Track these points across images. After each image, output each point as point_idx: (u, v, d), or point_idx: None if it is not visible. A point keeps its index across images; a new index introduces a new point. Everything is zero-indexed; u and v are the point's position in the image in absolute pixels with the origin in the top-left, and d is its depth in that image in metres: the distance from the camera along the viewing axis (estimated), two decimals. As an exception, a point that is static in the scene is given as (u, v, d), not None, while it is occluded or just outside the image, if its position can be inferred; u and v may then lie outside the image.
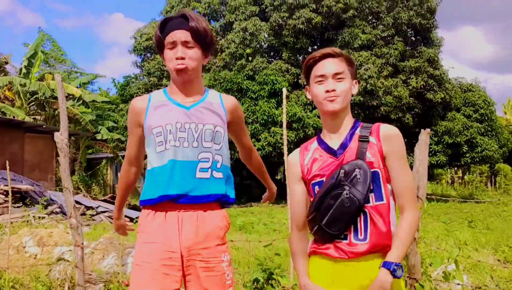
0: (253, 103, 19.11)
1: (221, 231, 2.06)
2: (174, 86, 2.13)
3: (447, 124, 21.79)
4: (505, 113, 39.93)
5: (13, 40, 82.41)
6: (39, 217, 10.71)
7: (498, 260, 4.09)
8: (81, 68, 37.83)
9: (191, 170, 2.00)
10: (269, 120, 18.90)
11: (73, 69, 31.44)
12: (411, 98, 20.32)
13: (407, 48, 21.37)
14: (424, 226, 10.95)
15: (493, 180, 34.28)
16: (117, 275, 4.10)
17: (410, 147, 21.56)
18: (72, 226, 4.08)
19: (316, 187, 1.84)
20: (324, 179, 1.81)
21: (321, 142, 1.90)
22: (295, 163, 1.94)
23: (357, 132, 1.85)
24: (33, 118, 23.89)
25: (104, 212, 13.25)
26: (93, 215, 12.70)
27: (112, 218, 12.67)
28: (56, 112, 23.37)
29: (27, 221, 8.09)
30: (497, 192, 28.90)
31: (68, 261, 4.84)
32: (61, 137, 3.98)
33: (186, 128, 2.02)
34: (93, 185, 24.97)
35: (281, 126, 18.91)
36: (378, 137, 1.82)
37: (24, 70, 22.26)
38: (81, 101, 21.64)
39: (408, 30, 21.76)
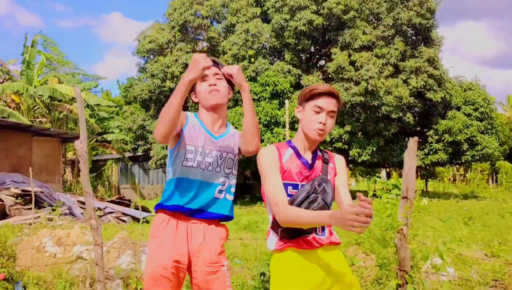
0: (255, 104, 19.44)
1: (222, 241, 2.46)
2: (203, 114, 2.50)
3: (447, 123, 22.09)
4: (506, 110, 40.17)
5: (13, 42, 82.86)
6: (49, 219, 11.05)
7: (486, 255, 4.41)
8: (84, 69, 38.22)
9: (212, 190, 2.40)
10: (272, 120, 19.23)
11: (75, 71, 31.82)
12: (411, 98, 20.61)
13: (408, 48, 21.65)
14: (424, 223, 11.28)
15: (494, 177, 34.56)
16: (135, 272, 4.45)
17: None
18: (92, 227, 4.42)
19: (290, 187, 2.21)
20: (297, 182, 2.21)
21: (299, 156, 2.27)
22: (275, 157, 2.24)
23: (319, 154, 2.31)
24: (38, 121, 24.31)
25: (112, 213, 13.56)
26: (101, 216, 13.04)
27: (118, 219, 13.04)
28: (61, 114, 23.77)
29: (40, 223, 8.44)
30: (498, 189, 29.18)
31: (86, 259, 5.19)
32: (81, 145, 4.31)
33: (212, 154, 2.42)
34: (99, 186, 25.37)
35: (283, 126, 19.24)
36: (334, 164, 2.36)
37: (24, 74, 22.59)
38: (85, 104, 21.99)
39: (408, 30, 22.06)
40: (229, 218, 2.48)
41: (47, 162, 18.24)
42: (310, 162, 2.27)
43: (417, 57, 21.21)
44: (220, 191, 2.45)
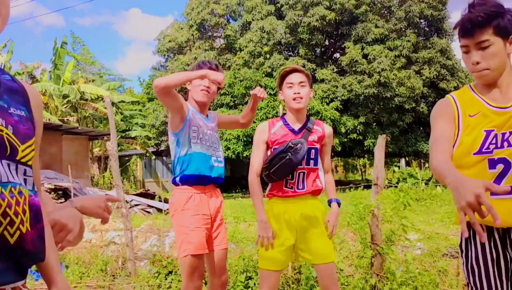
0: (272, 99, 20.13)
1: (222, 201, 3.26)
2: (193, 104, 3.19)
3: (461, 112, 22.37)
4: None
5: (34, 40, 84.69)
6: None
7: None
8: (110, 69, 39.51)
9: (210, 160, 3.10)
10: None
11: (102, 71, 33.00)
12: (424, 88, 21.02)
13: (420, 39, 22.01)
14: (433, 209, 11.87)
15: None
16: (160, 252, 5.27)
17: (426, 136, 22.13)
18: (123, 214, 5.26)
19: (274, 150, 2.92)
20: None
21: (287, 125, 2.92)
22: (265, 130, 2.93)
23: (309, 124, 2.93)
24: (66, 120, 25.47)
25: (137, 205, 14.43)
26: (128, 208, 13.96)
27: (144, 211, 13.91)
28: (88, 113, 24.87)
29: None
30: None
31: (117, 243, 6.03)
32: (111, 146, 5.14)
33: (207, 133, 3.14)
34: (124, 180, 26.44)
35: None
36: (323, 130, 2.95)
37: (53, 75, 23.76)
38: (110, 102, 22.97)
39: (421, 21, 22.39)
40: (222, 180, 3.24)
41: (76, 158, 19.30)
42: (296, 129, 2.88)
43: (430, 48, 21.57)
44: (215, 161, 3.12)
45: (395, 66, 20.57)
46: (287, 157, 2.75)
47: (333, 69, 22.11)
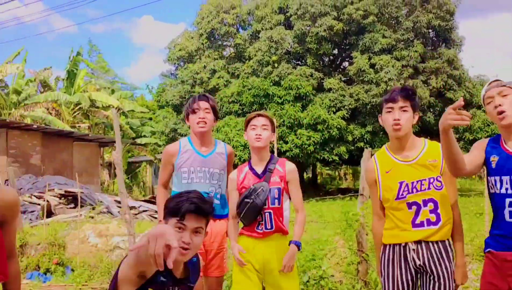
0: (279, 107, 20.39)
1: (224, 233, 3.38)
2: (194, 137, 3.40)
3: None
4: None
5: (48, 46, 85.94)
6: (91, 217, 12.34)
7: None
8: (122, 78, 40.20)
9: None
10: (295, 122, 20.13)
11: (115, 79, 33.59)
12: (431, 98, 21.13)
13: (428, 48, 22.16)
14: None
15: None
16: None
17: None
18: (126, 221, 5.53)
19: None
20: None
21: (252, 169, 3.17)
22: (234, 178, 3.20)
23: (271, 166, 3.14)
24: (78, 127, 25.98)
25: (146, 211, 14.71)
26: (136, 214, 14.25)
27: (152, 217, 14.19)
28: (99, 120, 25.35)
29: (83, 219, 9.67)
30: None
31: (122, 248, 6.30)
32: (116, 155, 5.42)
33: (202, 170, 3.31)
34: (134, 186, 26.83)
35: (306, 128, 20.13)
36: (284, 170, 3.13)
37: (66, 83, 24.32)
38: (121, 111, 23.41)
39: (428, 31, 22.53)
40: (220, 215, 3.34)
41: (87, 165, 19.70)
42: (260, 173, 3.11)
43: (437, 58, 21.70)
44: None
45: (402, 76, 20.72)
46: (251, 201, 2.99)
47: (340, 78, 22.33)
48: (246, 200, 3.02)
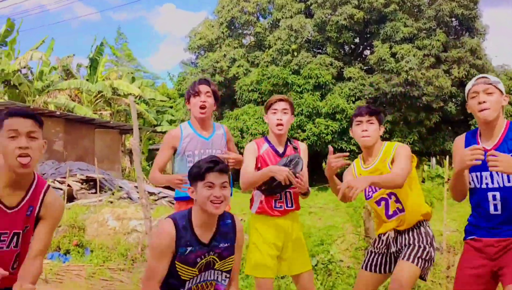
0: (298, 96, 20.39)
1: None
2: (194, 121, 3.44)
3: (490, 112, 22.05)
4: None
5: (71, 34, 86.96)
6: (110, 202, 12.64)
7: (457, 230, 5.29)
8: (145, 67, 40.58)
9: None
10: (314, 112, 20.13)
11: (138, 68, 34.01)
12: (453, 87, 20.85)
13: (450, 38, 21.83)
14: (455, 209, 11.93)
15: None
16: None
17: (453, 135, 22.03)
18: (143, 204, 5.71)
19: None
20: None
21: (272, 147, 3.29)
22: (255, 148, 3.28)
23: (288, 145, 3.32)
24: (100, 114, 26.42)
25: (165, 197, 14.95)
26: (156, 200, 14.52)
27: (170, 203, 14.44)
28: (120, 107, 25.72)
29: (103, 203, 9.94)
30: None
31: (139, 231, 6.50)
32: (134, 142, 5.59)
33: (206, 153, 3.30)
34: (154, 173, 27.19)
35: (325, 117, 20.12)
36: (299, 148, 3.33)
37: (89, 70, 24.71)
38: (142, 99, 23.72)
39: (451, 20, 22.18)
40: None
41: (108, 151, 20.07)
42: (281, 152, 3.26)
43: (460, 47, 21.37)
44: None
45: (424, 65, 20.49)
46: (290, 169, 3.01)
47: (360, 67, 22.19)
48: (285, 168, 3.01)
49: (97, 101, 25.28)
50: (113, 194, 14.51)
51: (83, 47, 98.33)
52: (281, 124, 3.21)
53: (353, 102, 20.51)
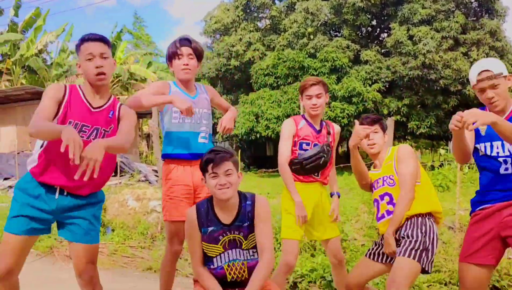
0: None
1: None
2: (179, 83, 3.34)
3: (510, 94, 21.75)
4: None
5: (87, 21, 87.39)
6: (130, 185, 12.89)
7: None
8: (162, 50, 40.74)
9: (197, 137, 3.28)
10: (330, 95, 20.04)
11: (156, 52, 34.24)
12: (472, 70, 20.57)
13: (469, 20, 21.48)
14: (471, 192, 11.89)
15: None
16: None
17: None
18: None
19: (304, 144, 3.38)
20: (309, 141, 3.38)
21: (310, 124, 3.43)
22: (293, 124, 3.42)
23: (324, 124, 3.47)
24: (117, 98, 26.69)
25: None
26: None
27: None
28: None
29: (120, 186, 10.16)
30: None
31: (158, 211, 6.67)
32: (153, 123, 5.73)
33: (194, 111, 3.14)
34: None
35: (340, 100, 20.06)
36: (333, 130, 3.51)
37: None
38: (158, 83, 23.94)
39: (471, 1, 21.81)
40: None
41: (126, 135, 20.31)
42: (318, 128, 3.42)
43: (479, 29, 21.05)
44: (204, 137, 3.29)
45: (442, 47, 20.24)
46: (323, 158, 3.33)
47: (377, 50, 21.99)
48: (318, 155, 3.32)
49: (114, 86, 25.53)
50: (132, 176, 14.81)
51: (100, 32, 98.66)
52: (316, 108, 3.37)
53: (370, 86, 20.40)
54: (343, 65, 20.61)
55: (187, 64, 3.23)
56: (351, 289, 3.13)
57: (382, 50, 22.55)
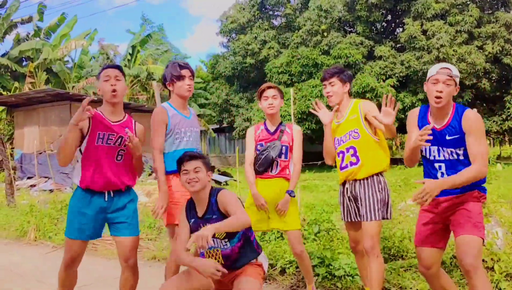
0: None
1: None
2: (177, 101, 3.62)
3: (527, 88, 21.59)
4: None
5: (108, 21, 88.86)
6: (141, 181, 13.40)
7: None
8: (178, 49, 41.59)
9: None
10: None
11: (172, 51, 34.88)
12: (487, 64, 20.49)
13: (484, 14, 21.37)
14: (490, 186, 11.87)
15: None
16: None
17: (488, 112, 21.58)
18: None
19: (259, 146, 3.78)
20: (263, 143, 3.77)
21: (266, 128, 3.81)
22: (253, 131, 3.85)
23: (281, 127, 3.80)
24: (136, 98, 27.30)
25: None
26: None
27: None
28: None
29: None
30: None
31: (166, 206, 7.07)
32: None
33: (190, 130, 3.57)
34: (188, 155, 28.09)
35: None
36: (291, 131, 3.79)
37: (128, 57, 25.64)
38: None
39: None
40: None
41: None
42: (272, 131, 3.78)
43: (494, 22, 20.92)
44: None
45: (456, 41, 20.23)
46: (268, 153, 3.71)
47: (391, 45, 22.06)
48: (263, 152, 3.72)
49: (133, 86, 26.15)
50: (150, 175, 15.31)
51: (120, 34, 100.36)
52: (272, 107, 3.75)
53: (383, 81, 20.50)
54: (357, 61, 20.75)
55: (190, 85, 3.60)
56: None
57: (396, 46, 22.60)
